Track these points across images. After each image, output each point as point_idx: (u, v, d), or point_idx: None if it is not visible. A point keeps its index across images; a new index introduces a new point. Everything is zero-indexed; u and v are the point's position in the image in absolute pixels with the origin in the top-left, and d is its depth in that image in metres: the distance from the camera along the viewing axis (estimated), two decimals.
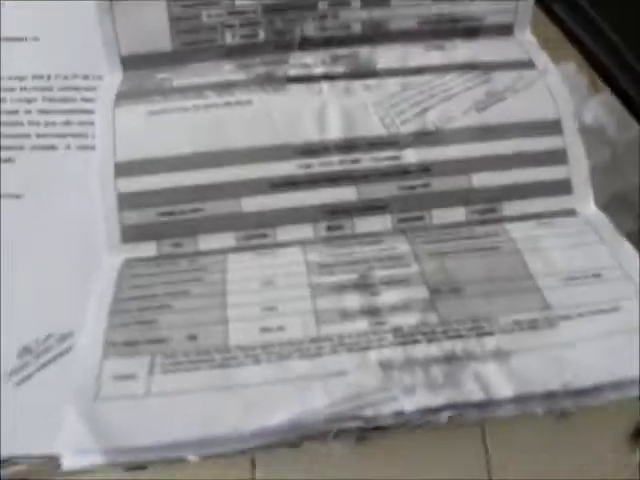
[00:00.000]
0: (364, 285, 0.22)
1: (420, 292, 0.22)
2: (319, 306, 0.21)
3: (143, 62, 0.28)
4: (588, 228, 0.25)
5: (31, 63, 0.29)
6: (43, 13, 0.31)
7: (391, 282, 0.23)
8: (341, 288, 0.22)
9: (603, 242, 0.25)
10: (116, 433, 0.17)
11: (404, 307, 0.21)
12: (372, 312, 0.21)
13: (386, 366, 0.19)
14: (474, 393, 0.19)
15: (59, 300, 0.24)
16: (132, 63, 0.28)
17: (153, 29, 0.28)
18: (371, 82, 0.28)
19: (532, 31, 0.31)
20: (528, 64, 0.29)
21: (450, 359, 0.20)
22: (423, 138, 0.26)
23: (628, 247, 0.24)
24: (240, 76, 0.28)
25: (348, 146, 0.26)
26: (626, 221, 0.47)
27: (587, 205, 0.27)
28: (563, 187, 0.27)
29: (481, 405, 0.19)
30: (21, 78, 0.29)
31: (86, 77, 0.29)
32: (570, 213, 0.26)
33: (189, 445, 0.17)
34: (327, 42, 0.29)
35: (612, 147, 0.45)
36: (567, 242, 0.25)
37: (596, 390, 0.19)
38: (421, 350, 0.20)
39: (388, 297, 0.22)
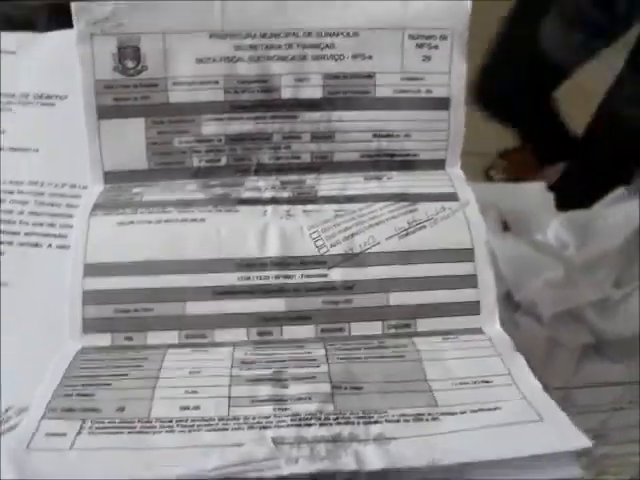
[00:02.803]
0: (276, 379, 0.28)
1: (323, 387, 0.27)
2: (234, 393, 0.27)
3: (122, 177, 0.35)
4: (488, 343, 0.30)
5: (29, 171, 0.36)
6: (44, 125, 0.38)
7: (300, 378, 0.28)
8: (256, 380, 0.28)
9: (499, 355, 0.30)
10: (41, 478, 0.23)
11: (307, 398, 0.27)
12: (278, 400, 0.27)
13: (278, 442, 0.24)
14: (348, 465, 0.24)
15: (25, 377, 0.30)
16: (113, 177, 0.35)
17: (133, 150, 0.34)
18: (310, 207, 0.33)
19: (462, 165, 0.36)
20: (452, 196, 0.34)
21: (336, 440, 0.25)
22: (349, 259, 0.32)
23: (519, 359, 0.29)
24: (200, 195, 0.34)
25: (283, 263, 0.31)
26: (580, 335, 0.52)
27: (492, 325, 0.32)
28: (472, 308, 0.32)
29: (352, 476, 0.24)
30: (19, 183, 0.35)
31: (73, 186, 0.35)
32: (476, 331, 0.31)
33: None
34: (279, 169, 0.35)
35: (568, 264, 0.51)
36: (466, 354, 0.30)
37: (466, 467, 0.24)
38: (312, 431, 0.25)
39: (295, 389, 0.27)
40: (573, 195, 0.61)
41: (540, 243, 0.53)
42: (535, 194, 0.58)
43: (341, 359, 0.29)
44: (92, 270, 0.31)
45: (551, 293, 0.50)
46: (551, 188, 0.58)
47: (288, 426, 0.25)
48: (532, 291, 0.52)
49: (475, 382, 0.28)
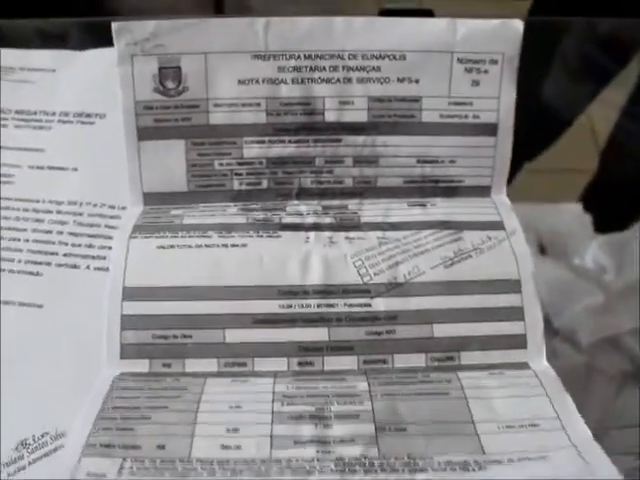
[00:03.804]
0: (319, 417, 0.27)
1: (367, 428, 0.27)
2: (276, 432, 0.27)
3: (162, 199, 0.35)
4: (535, 381, 0.30)
5: (68, 190, 0.36)
6: (83, 144, 0.38)
7: (343, 417, 0.27)
8: (299, 418, 0.27)
9: (547, 395, 0.29)
10: None
11: (350, 440, 0.26)
12: (321, 442, 0.26)
13: None
14: None
15: (60, 402, 0.30)
16: (152, 199, 0.35)
17: (173, 172, 0.35)
18: (353, 234, 0.33)
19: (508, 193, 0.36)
20: (498, 225, 0.34)
21: None
22: (393, 289, 0.31)
23: (568, 401, 0.29)
24: (241, 219, 0.34)
25: (326, 291, 0.31)
26: (618, 362, 0.51)
27: (539, 360, 0.31)
28: (518, 342, 0.31)
29: None
30: (59, 203, 0.36)
31: (112, 207, 0.35)
32: (522, 366, 0.31)
33: None
34: (321, 194, 0.35)
35: (607, 290, 0.50)
36: (512, 392, 0.29)
37: None
38: (356, 479, 0.25)
39: (338, 430, 0.27)
40: (609, 216, 0.60)
41: (579, 267, 0.52)
42: (572, 215, 0.57)
43: (385, 395, 0.29)
44: (131, 294, 0.31)
45: (591, 320, 0.49)
46: (586, 208, 0.57)
47: (332, 472, 0.25)
48: (571, 318, 0.51)
49: (522, 425, 0.27)
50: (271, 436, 0.26)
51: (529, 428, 0.27)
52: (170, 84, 0.34)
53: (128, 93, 0.34)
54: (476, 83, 0.35)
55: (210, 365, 0.30)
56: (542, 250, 0.58)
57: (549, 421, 0.28)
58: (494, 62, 0.34)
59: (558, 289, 0.52)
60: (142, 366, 0.30)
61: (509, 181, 0.36)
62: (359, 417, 0.27)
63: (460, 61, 0.34)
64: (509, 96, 0.35)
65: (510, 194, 0.36)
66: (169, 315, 0.31)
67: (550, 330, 0.50)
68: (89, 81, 0.39)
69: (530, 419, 0.28)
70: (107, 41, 0.34)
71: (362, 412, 0.28)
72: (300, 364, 0.30)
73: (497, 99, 0.35)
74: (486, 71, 0.35)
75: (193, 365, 0.30)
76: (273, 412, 0.27)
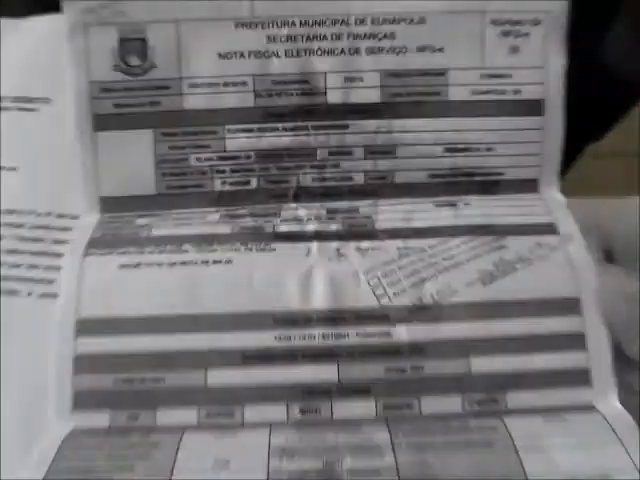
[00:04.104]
0: (329, 475, 0.26)
1: None
2: None
3: (124, 204, 0.33)
4: (605, 426, 0.28)
5: (5, 196, 0.34)
6: (23, 137, 0.36)
7: (360, 473, 0.26)
8: (303, 476, 0.26)
9: (621, 443, 0.27)
10: None
11: None
12: None
13: None
14: None
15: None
16: (112, 204, 0.33)
17: (138, 170, 0.33)
18: (367, 244, 0.32)
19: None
20: (549, 229, 0.32)
21: None
22: (418, 313, 0.30)
23: None
24: (225, 229, 0.32)
25: (333, 318, 0.29)
26: None
27: (608, 400, 0.29)
28: (579, 378, 0.29)
29: None
30: None
31: (61, 215, 0.33)
32: (587, 408, 0.29)
33: None
34: (325, 194, 0.34)
35: None
36: (576, 442, 0.27)
37: None
38: None
39: None
40: None
41: None
42: None
43: (411, 447, 0.27)
44: (86, 327, 0.29)
45: None
46: None
47: None
48: None
49: None
50: None
51: None
52: (134, 60, 0.33)
53: (81, 72, 0.32)
54: (515, 50, 0.33)
55: (188, 416, 0.28)
56: (608, 258, 0.56)
57: (625, 473, 0.26)
58: (537, 23, 0.33)
59: (631, 308, 0.49)
60: (101, 419, 0.28)
61: (563, 172, 0.34)
62: (379, 474, 0.26)
63: (494, 23, 0.33)
64: (557, 64, 0.33)
65: (564, 188, 0.34)
66: (136, 353, 0.29)
67: (622, 361, 0.48)
68: (30, 57, 0.36)
69: (601, 474, 0.26)
70: (54, 6, 0.32)
71: (383, 469, 0.26)
72: (303, 411, 0.29)
73: (542, 69, 0.33)
74: (527, 34, 0.33)
75: (167, 416, 0.28)
76: (269, 469, 0.26)
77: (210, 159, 0.33)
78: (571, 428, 0.28)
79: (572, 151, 0.34)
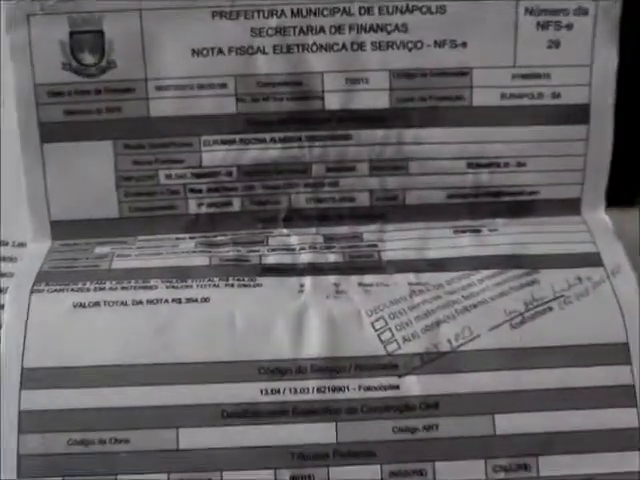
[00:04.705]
0: None
1: None
2: None
3: (79, 230, 0.36)
4: None
5: None
6: None
7: None
8: None
9: None
10: None
11: None
12: None
13: None
14: None
15: None
16: (65, 230, 0.36)
17: (95, 189, 0.36)
18: (371, 279, 0.34)
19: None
20: (593, 259, 0.35)
21: None
22: (432, 362, 0.32)
23: None
24: (201, 260, 0.35)
25: (330, 368, 0.32)
26: None
27: None
28: (629, 440, 0.32)
29: None
30: None
31: (5, 244, 0.37)
32: (636, 477, 0.32)
33: None
34: (322, 217, 0.37)
35: None
36: None
37: None
38: None
39: None
40: None
41: None
42: None
43: None
44: (34, 378, 0.32)
45: None
46: None
47: None
48: None
49: None
50: None
51: None
52: (87, 57, 0.35)
53: (23, 72, 0.35)
54: (555, 45, 0.36)
55: None
56: None
57: None
58: (583, 12, 0.35)
59: None
60: None
61: (611, 191, 0.37)
62: None
63: (529, 12, 0.35)
64: (607, 62, 0.35)
65: (610, 210, 0.37)
66: (93, 409, 0.31)
67: None
68: None
69: None
70: None
71: None
72: (294, 479, 0.31)
73: (588, 68, 0.36)
74: (570, 26, 0.36)
75: None
76: None
77: (183, 176, 0.36)
78: None
79: (618, 168, 0.37)
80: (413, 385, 0.32)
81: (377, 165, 0.36)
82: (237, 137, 0.36)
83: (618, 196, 0.38)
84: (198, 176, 0.36)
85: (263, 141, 0.36)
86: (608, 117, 0.36)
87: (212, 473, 0.31)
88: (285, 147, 0.36)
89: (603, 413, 0.32)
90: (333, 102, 0.36)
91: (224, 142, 0.36)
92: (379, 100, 0.36)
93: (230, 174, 0.36)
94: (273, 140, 0.36)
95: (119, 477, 0.31)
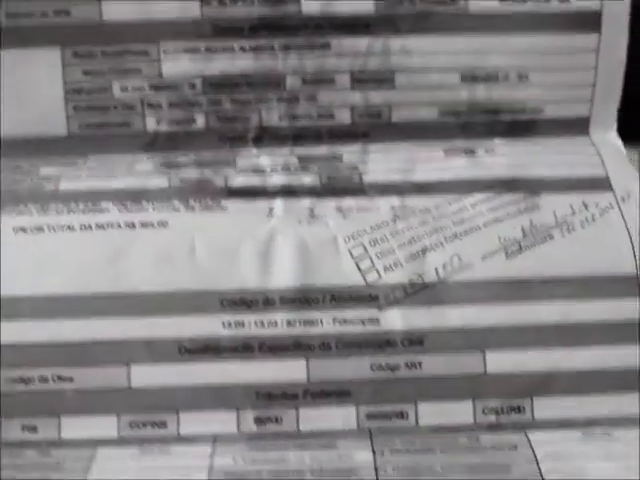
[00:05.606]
0: None
1: None
2: None
3: (22, 149, 0.35)
4: None
5: None
6: None
7: None
8: None
9: None
10: None
11: None
12: None
13: None
14: None
15: None
16: (7, 149, 0.35)
17: (41, 103, 0.35)
18: (350, 203, 0.34)
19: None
20: (601, 184, 0.34)
21: None
22: (417, 294, 0.32)
23: None
24: (159, 182, 0.34)
25: (302, 300, 0.32)
26: None
27: None
28: (633, 382, 0.31)
29: None
30: None
31: None
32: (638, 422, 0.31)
33: None
34: (297, 136, 0.36)
35: None
36: (625, 464, 0.29)
37: None
38: None
39: None
40: None
41: None
42: None
43: (401, 471, 0.29)
44: None
45: None
46: None
47: None
48: None
49: None
50: None
51: None
52: None
53: None
54: None
55: (105, 426, 0.31)
56: None
57: None
58: None
59: None
60: None
61: (624, 109, 0.36)
62: None
63: None
64: None
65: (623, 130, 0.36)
66: (34, 344, 0.31)
67: None
68: None
69: None
70: None
71: None
72: (259, 421, 0.31)
73: None
74: None
75: (75, 427, 0.31)
76: None
77: (140, 89, 0.35)
78: (617, 448, 0.30)
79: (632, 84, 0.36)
80: (395, 319, 0.32)
81: (359, 78, 0.36)
82: (202, 45, 0.35)
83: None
84: (157, 89, 0.35)
85: (231, 50, 0.35)
86: (622, 25, 0.35)
87: (167, 414, 0.31)
88: (256, 57, 0.35)
89: (608, 351, 0.32)
90: (311, 6, 0.35)
91: (187, 50, 0.35)
92: (363, 4, 0.35)
93: (193, 87, 0.35)
94: (242, 49, 0.35)
95: (63, 419, 0.31)
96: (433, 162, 0.35)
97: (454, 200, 0.34)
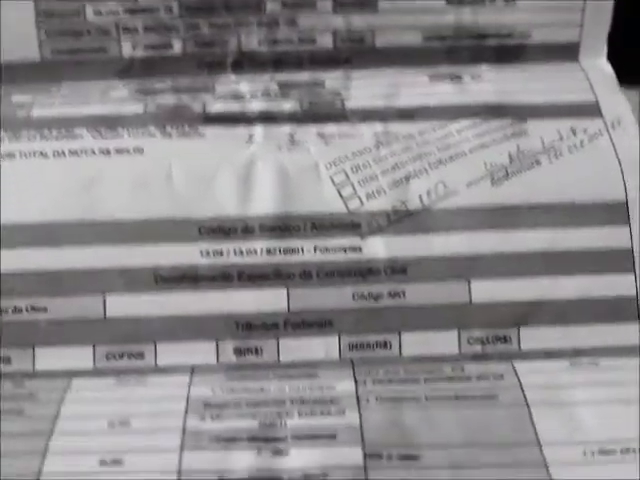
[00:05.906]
0: (265, 438, 0.28)
1: (351, 455, 0.27)
2: (187, 465, 0.27)
3: None
4: None
5: None
6: None
7: (308, 437, 0.28)
8: (230, 440, 0.28)
9: None
10: None
11: (320, 475, 0.26)
12: None
13: None
14: None
15: None
16: None
17: (11, 27, 0.35)
18: (332, 129, 0.34)
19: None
20: (590, 109, 0.34)
21: None
22: (400, 221, 0.32)
23: None
24: (135, 108, 0.34)
25: (282, 227, 0.32)
26: None
27: None
28: (621, 310, 0.32)
29: None
30: None
31: None
32: (632, 351, 0.31)
33: None
34: (277, 62, 0.36)
35: None
36: (613, 395, 0.29)
37: None
38: None
39: (298, 460, 0.27)
40: None
41: None
42: None
43: (383, 401, 0.29)
44: None
45: None
46: None
47: None
48: None
49: (627, 449, 0.27)
50: (179, 471, 0.26)
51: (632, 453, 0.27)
52: None
53: None
54: None
55: (80, 357, 0.31)
56: None
57: None
58: None
59: None
60: None
61: (614, 35, 0.36)
62: (336, 437, 0.28)
63: None
64: None
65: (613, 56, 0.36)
66: (7, 274, 0.31)
67: None
68: None
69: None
70: None
71: (342, 428, 0.28)
72: (238, 351, 0.31)
73: None
74: None
75: (50, 358, 0.31)
76: (185, 431, 0.28)
77: (115, 12, 0.35)
78: (607, 378, 0.30)
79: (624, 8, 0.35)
80: (378, 247, 0.32)
81: (341, 1, 0.35)
82: None
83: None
84: (132, 12, 0.35)
85: None
86: None
87: (144, 345, 0.31)
88: None
89: (596, 279, 0.32)
90: None
91: None
92: None
93: (170, 10, 0.35)
94: None
95: (37, 349, 0.31)
96: (417, 88, 0.35)
97: (439, 126, 0.34)
